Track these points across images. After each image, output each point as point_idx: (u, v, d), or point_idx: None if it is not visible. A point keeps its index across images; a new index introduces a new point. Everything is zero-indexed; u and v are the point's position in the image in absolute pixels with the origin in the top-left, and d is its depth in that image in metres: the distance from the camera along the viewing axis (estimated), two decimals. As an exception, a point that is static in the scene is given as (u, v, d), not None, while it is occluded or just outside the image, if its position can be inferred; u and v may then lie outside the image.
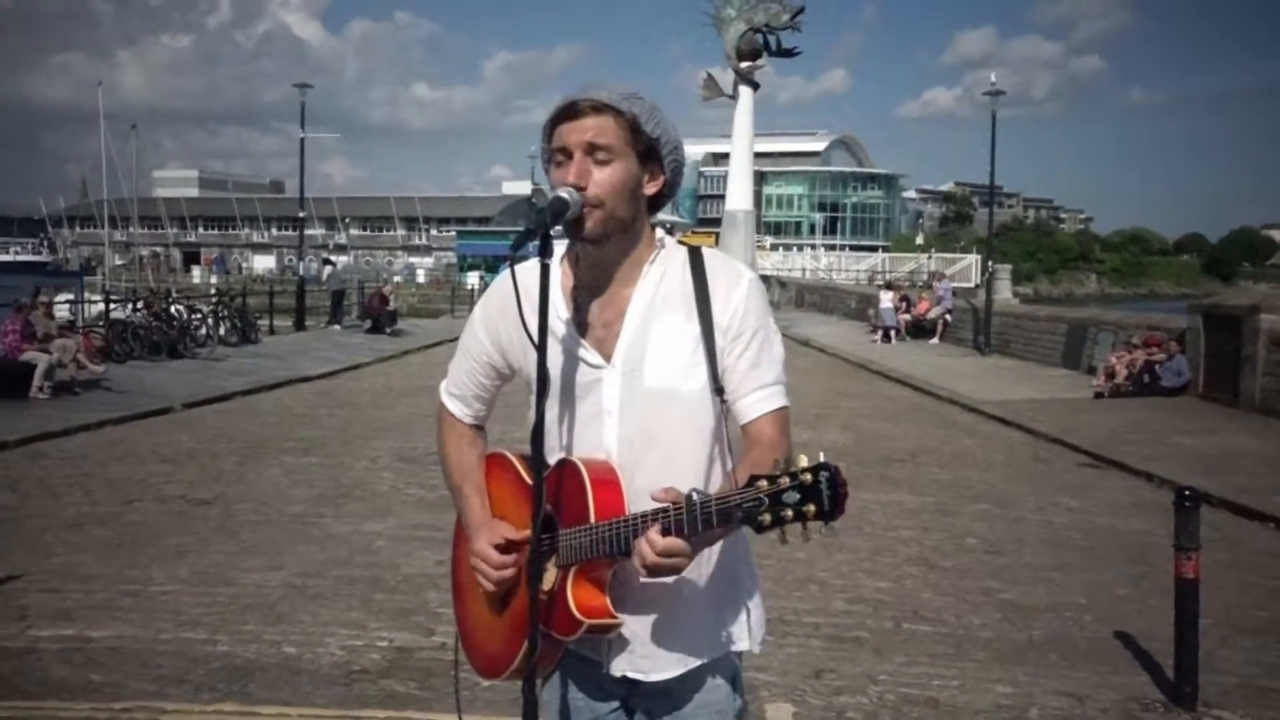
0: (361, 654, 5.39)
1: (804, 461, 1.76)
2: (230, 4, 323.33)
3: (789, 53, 33.97)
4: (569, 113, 2.03)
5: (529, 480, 2.11)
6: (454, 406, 2.33)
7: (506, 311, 2.14)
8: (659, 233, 2.17)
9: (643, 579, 1.95)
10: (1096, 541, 7.95)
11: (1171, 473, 9.94)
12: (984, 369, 20.92)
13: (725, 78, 34.39)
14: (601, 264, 2.10)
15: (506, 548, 2.12)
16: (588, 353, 2.11)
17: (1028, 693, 5.03)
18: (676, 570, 1.90)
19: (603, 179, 2.02)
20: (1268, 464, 10.74)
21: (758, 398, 2.08)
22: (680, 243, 2.19)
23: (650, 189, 2.10)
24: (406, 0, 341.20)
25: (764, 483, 1.77)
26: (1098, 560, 7.41)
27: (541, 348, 1.97)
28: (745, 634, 2.17)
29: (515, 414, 2.30)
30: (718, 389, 2.06)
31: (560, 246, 2.12)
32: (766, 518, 1.75)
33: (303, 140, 32.25)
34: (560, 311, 2.11)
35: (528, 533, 2.06)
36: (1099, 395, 16.53)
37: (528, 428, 2.02)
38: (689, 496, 1.85)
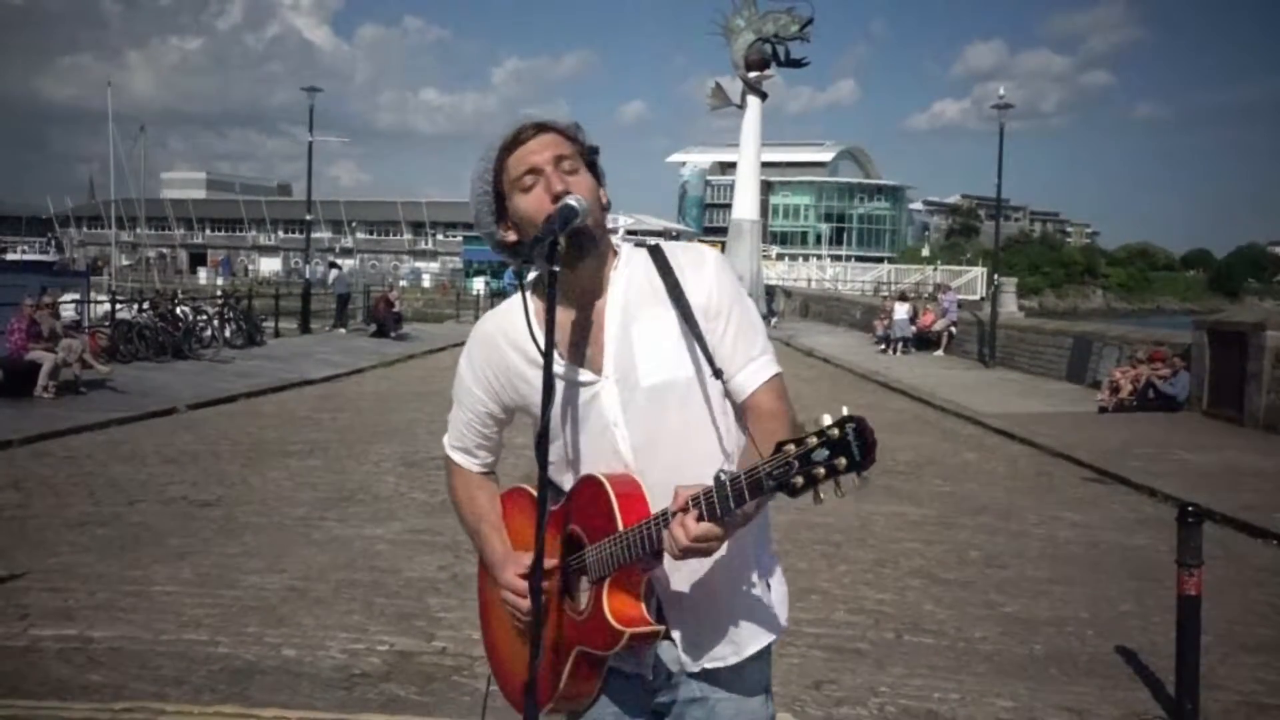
0: (362, 658, 5.39)
1: (827, 420, 1.76)
2: (240, 7, 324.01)
3: (797, 63, 34.07)
4: (519, 139, 2.07)
5: (549, 505, 2.11)
6: (460, 459, 2.33)
7: (491, 356, 2.19)
8: (614, 240, 2.19)
9: (677, 562, 1.95)
10: (1099, 556, 7.93)
11: (1175, 489, 9.92)
12: (988, 382, 20.90)
13: (734, 87, 34.52)
14: (575, 282, 2.10)
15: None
16: (579, 372, 2.12)
17: (1028, 707, 5.02)
18: (709, 553, 1.91)
19: (579, 183, 2.05)
20: (1272, 481, 10.71)
21: (751, 371, 2.09)
22: (637, 245, 2.21)
23: (602, 198, 2.12)
24: (416, 6, 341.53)
25: (791, 446, 1.76)
26: (1100, 575, 7.39)
27: (548, 353, 1.95)
28: (780, 615, 2.22)
29: (518, 428, 2.30)
30: (716, 371, 2.05)
31: (529, 279, 2.14)
32: (799, 480, 1.75)
33: (311, 144, 32.32)
34: (542, 342, 2.10)
35: (553, 561, 2.08)
36: (1103, 410, 16.51)
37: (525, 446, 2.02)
38: (716, 477, 1.86)
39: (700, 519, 1.86)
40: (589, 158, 2.11)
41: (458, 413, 2.30)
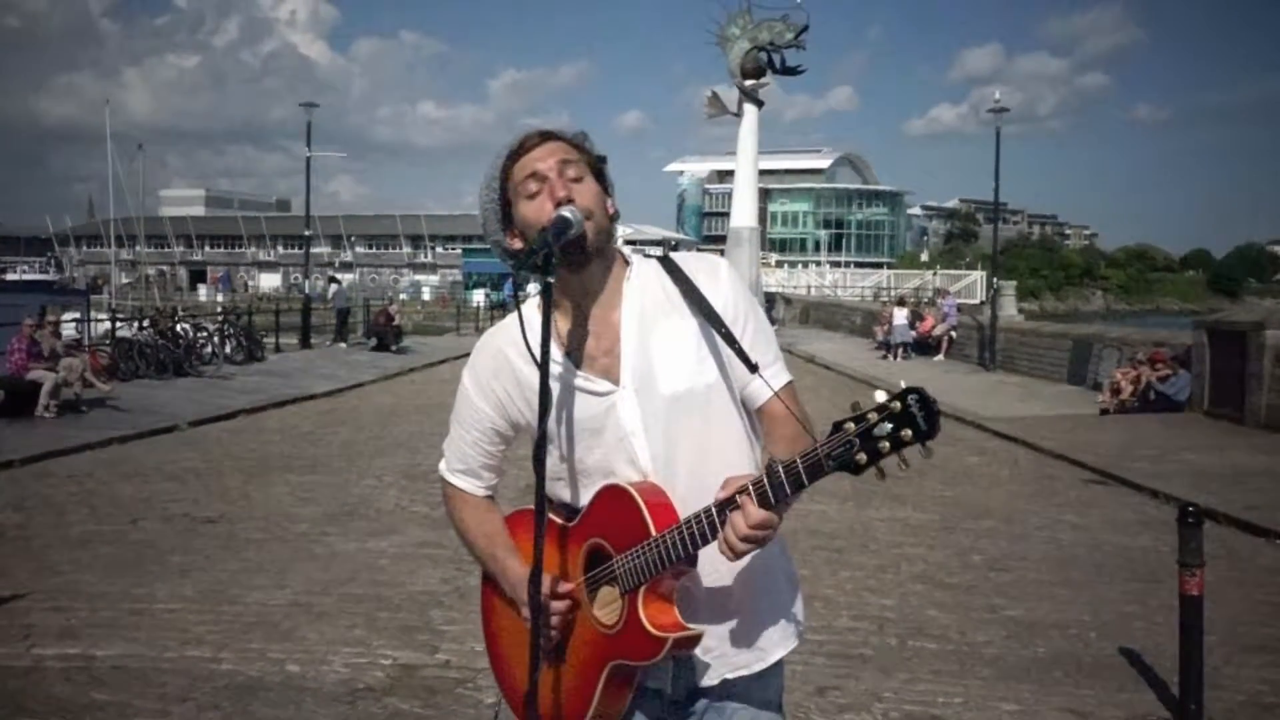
0: (365, 672, 5.39)
1: (881, 396, 1.77)
2: (237, 24, 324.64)
3: (793, 70, 34.06)
4: (525, 147, 2.08)
5: (560, 522, 2.12)
6: (462, 482, 2.28)
7: (501, 371, 2.17)
8: (625, 250, 2.20)
9: (704, 567, 1.95)
10: (1102, 558, 7.93)
11: (1177, 489, 9.91)
12: (989, 385, 20.90)
13: (730, 95, 34.51)
14: (584, 293, 2.11)
15: (556, 595, 2.09)
16: (596, 383, 2.10)
17: (1033, 710, 5.02)
18: (764, 544, 1.90)
19: (584, 190, 2.06)
20: (1273, 480, 10.70)
21: (768, 376, 2.10)
22: (648, 255, 2.22)
23: (610, 208, 2.12)
24: (413, 19, 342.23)
25: (850, 424, 1.77)
26: (1103, 577, 7.39)
27: (544, 366, 1.96)
28: (801, 621, 2.24)
29: (520, 440, 2.30)
30: (753, 366, 2.06)
31: (530, 299, 2.13)
32: (862, 456, 1.76)
33: (309, 159, 32.33)
34: (555, 354, 2.07)
35: (576, 581, 2.08)
36: (1104, 412, 16.51)
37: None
38: (769, 466, 1.86)
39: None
40: (596, 166, 2.11)
41: (460, 433, 2.25)
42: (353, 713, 4.90)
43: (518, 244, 2.10)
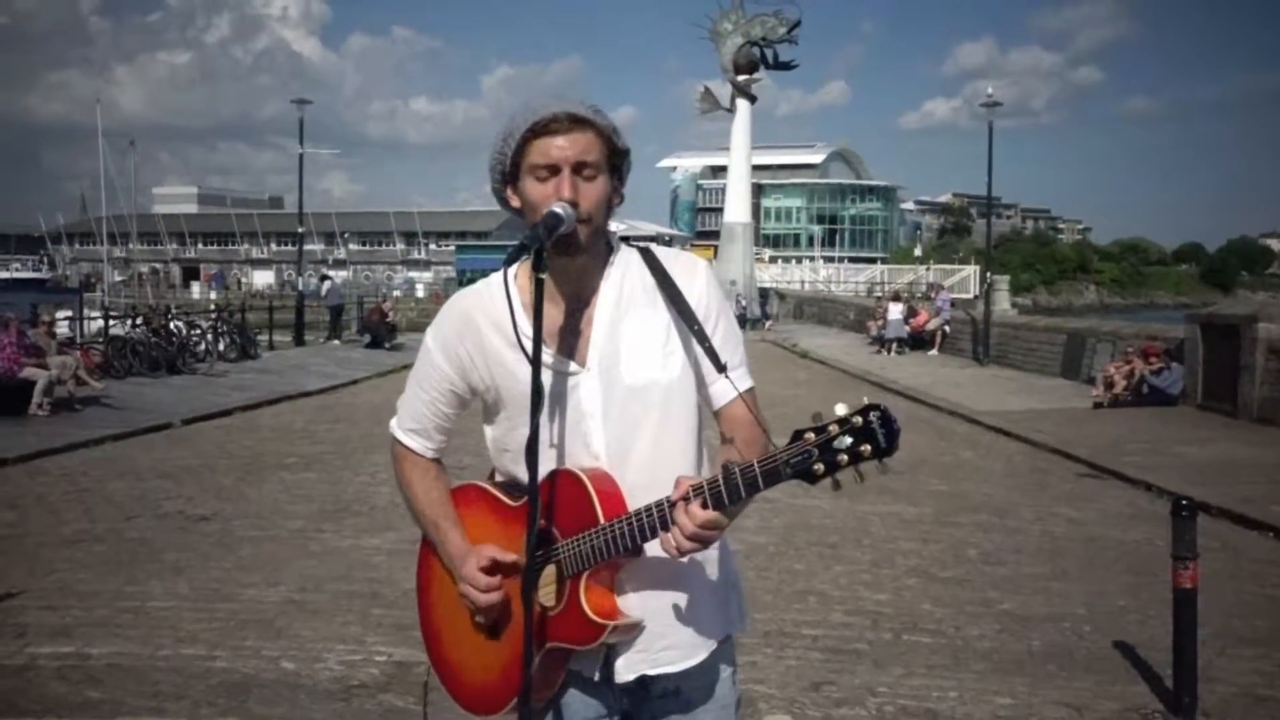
0: (360, 669, 5.39)
1: (842, 409, 1.78)
2: (228, 20, 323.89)
3: (786, 66, 34.14)
4: (551, 127, 2.00)
5: (509, 501, 2.13)
6: (414, 442, 2.28)
7: (467, 334, 2.16)
8: (612, 236, 2.18)
9: (672, 556, 1.94)
10: (1096, 551, 7.94)
11: (1170, 482, 9.93)
12: (983, 380, 20.92)
13: (723, 91, 34.59)
14: (568, 274, 2.10)
15: (492, 569, 2.10)
16: (562, 361, 2.11)
17: (1027, 703, 5.02)
18: (710, 542, 1.92)
19: (591, 193, 2.03)
20: (1266, 473, 10.72)
21: (735, 378, 2.10)
22: (630, 245, 2.21)
23: (614, 201, 2.11)
24: (405, 16, 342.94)
25: (811, 434, 1.78)
26: (1097, 570, 7.40)
27: (535, 360, 1.95)
28: (739, 615, 2.25)
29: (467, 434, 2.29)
30: (720, 366, 2.06)
31: (515, 265, 2.11)
32: (819, 467, 1.77)
33: (301, 155, 32.34)
34: (525, 327, 2.04)
35: (515, 555, 2.07)
36: (1098, 405, 16.54)
37: (474, 452, 2.00)
38: (726, 468, 1.87)
39: (704, 507, 1.87)
40: (615, 161, 2.07)
41: (417, 393, 2.25)
42: (347, 709, 4.90)
43: (515, 203, 2.09)
